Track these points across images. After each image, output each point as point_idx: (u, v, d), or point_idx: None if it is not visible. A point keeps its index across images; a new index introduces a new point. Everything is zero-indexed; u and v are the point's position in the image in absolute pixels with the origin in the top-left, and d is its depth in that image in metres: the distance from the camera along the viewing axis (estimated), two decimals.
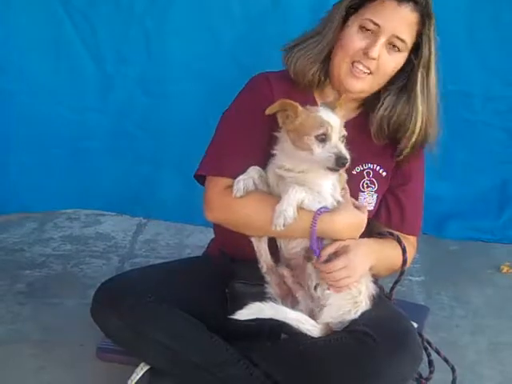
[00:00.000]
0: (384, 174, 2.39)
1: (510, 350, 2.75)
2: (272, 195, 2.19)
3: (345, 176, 2.24)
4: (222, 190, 2.26)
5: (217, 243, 2.56)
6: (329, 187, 2.17)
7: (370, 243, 2.29)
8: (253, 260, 2.28)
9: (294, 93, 2.31)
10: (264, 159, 2.26)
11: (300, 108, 2.12)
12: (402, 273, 2.36)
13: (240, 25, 3.54)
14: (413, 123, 2.31)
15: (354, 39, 2.27)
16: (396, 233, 2.36)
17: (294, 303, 2.24)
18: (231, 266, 2.37)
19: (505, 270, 3.36)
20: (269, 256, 2.26)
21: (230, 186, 2.23)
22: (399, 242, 2.35)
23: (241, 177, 2.20)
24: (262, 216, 2.16)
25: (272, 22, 3.49)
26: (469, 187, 3.76)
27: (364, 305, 2.22)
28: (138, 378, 2.29)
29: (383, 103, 2.33)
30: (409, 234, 2.44)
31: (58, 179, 3.77)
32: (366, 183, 2.38)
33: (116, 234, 3.63)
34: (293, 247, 2.23)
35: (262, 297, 2.21)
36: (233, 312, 2.25)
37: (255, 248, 2.26)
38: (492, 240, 3.64)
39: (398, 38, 2.25)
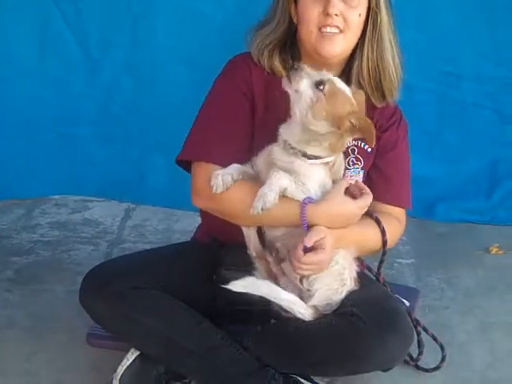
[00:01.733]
0: (369, 149, 2.38)
1: (500, 330, 2.76)
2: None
3: (342, 166, 2.23)
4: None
5: (204, 228, 2.55)
6: (317, 182, 2.15)
7: (351, 235, 2.23)
8: (240, 245, 2.27)
9: (271, 76, 2.32)
10: (249, 145, 2.25)
11: None
12: (384, 253, 2.35)
13: (229, 8, 3.50)
14: (360, 65, 2.32)
15: (309, 6, 2.25)
16: (375, 214, 2.30)
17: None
18: (219, 251, 2.36)
19: (494, 251, 3.37)
20: (258, 242, 2.25)
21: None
22: (378, 223, 2.31)
23: (220, 171, 2.17)
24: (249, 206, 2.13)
25: (262, 5, 3.46)
26: (458, 169, 3.74)
27: (349, 283, 2.21)
28: (128, 363, 2.29)
29: (354, 62, 2.33)
30: (395, 206, 2.41)
31: (45, 165, 3.73)
32: (352, 160, 2.37)
33: (104, 220, 3.61)
34: (275, 231, 2.21)
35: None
36: (220, 299, 2.25)
37: (244, 234, 2.25)
38: (481, 221, 3.63)
39: None
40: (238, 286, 2.13)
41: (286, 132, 2.15)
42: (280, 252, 2.21)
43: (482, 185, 3.76)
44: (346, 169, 2.34)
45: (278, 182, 2.08)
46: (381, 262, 2.39)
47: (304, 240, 2.10)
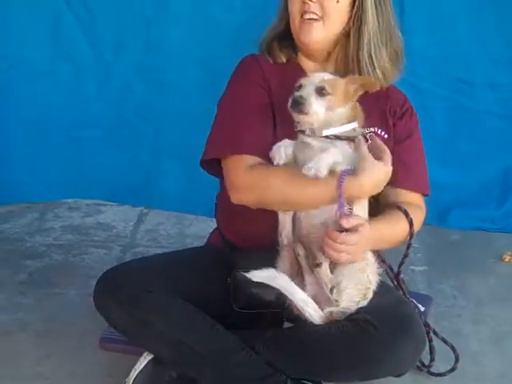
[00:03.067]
0: (386, 136, 2.32)
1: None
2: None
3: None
4: (247, 169, 2.23)
5: (219, 233, 2.55)
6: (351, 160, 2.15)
7: (381, 228, 2.25)
8: (256, 248, 2.27)
9: (282, 68, 2.35)
10: (274, 134, 2.25)
11: None
12: (408, 246, 2.36)
13: (241, 12, 3.53)
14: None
15: None
16: (403, 207, 2.32)
17: (300, 286, 2.21)
18: (233, 255, 2.36)
19: (507, 259, 3.35)
20: (291, 229, 2.23)
21: (253, 165, 2.22)
22: (406, 214, 2.32)
23: (279, 143, 2.16)
24: (292, 189, 2.14)
25: (273, 9, 3.47)
26: (470, 176, 3.74)
27: (369, 297, 2.21)
28: (141, 367, 2.28)
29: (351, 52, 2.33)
30: (415, 191, 2.41)
31: (58, 169, 3.76)
32: None
33: (117, 224, 3.62)
34: (312, 219, 2.20)
35: (264, 285, 2.18)
36: (235, 302, 2.26)
37: (279, 219, 2.23)
38: (494, 229, 3.62)
39: None
40: (257, 276, 2.13)
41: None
42: (313, 253, 2.19)
43: (494, 192, 3.75)
44: None
45: (335, 154, 2.09)
46: (405, 256, 2.39)
47: (341, 221, 2.10)
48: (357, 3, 2.30)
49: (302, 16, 2.29)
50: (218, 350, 2.24)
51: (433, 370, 2.50)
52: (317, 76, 2.16)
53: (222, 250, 2.44)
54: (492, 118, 3.69)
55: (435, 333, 2.54)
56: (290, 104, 2.12)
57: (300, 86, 2.14)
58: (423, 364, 2.49)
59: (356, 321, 2.15)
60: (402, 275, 2.46)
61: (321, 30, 2.31)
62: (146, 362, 2.30)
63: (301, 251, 2.21)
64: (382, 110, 2.40)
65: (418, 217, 2.39)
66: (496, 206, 3.71)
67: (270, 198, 2.22)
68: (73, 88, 3.69)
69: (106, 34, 3.63)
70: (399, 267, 2.44)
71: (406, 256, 2.40)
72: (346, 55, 2.35)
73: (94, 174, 3.77)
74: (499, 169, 3.75)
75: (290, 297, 2.15)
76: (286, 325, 2.29)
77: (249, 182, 2.22)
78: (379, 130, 2.30)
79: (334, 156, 2.09)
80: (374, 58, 2.32)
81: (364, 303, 2.19)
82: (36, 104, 3.69)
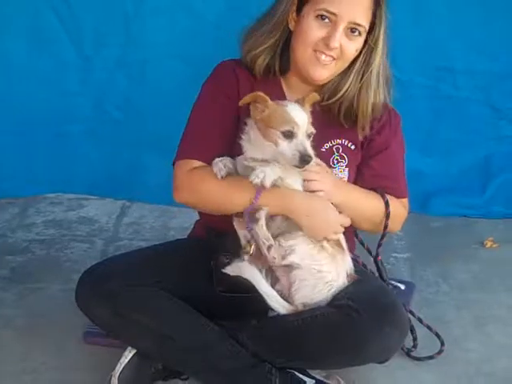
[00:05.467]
0: (353, 147, 2.41)
1: (495, 324, 2.77)
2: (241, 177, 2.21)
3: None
4: (188, 171, 2.29)
5: (202, 223, 2.56)
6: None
7: (353, 189, 2.37)
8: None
9: (259, 81, 2.35)
10: (232, 148, 2.28)
11: (270, 101, 2.15)
12: (385, 226, 2.39)
13: (221, 4, 3.50)
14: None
15: (313, 29, 2.27)
16: (380, 190, 2.39)
17: (275, 280, 2.26)
18: (217, 240, 2.36)
19: (488, 244, 3.38)
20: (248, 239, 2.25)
21: (196, 167, 2.27)
22: (382, 196, 2.37)
23: (217, 159, 2.22)
24: (221, 194, 2.21)
25: (253, 1, 3.46)
26: (452, 163, 3.76)
27: (339, 283, 2.24)
28: (127, 360, 2.29)
29: (344, 89, 2.34)
30: (395, 197, 2.45)
31: (40, 164, 3.73)
32: (336, 159, 2.40)
33: (99, 218, 3.60)
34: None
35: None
36: (218, 285, 2.30)
37: (238, 233, 2.27)
38: (475, 215, 3.64)
39: (356, 23, 2.26)
40: (229, 270, 2.22)
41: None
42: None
43: (476, 179, 3.77)
44: (331, 167, 2.38)
45: (277, 169, 2.15)
46: (382, 236, 2.42)
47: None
48: (368, 50, 2.32)
49: (315, 51, 2.28)
50: (202, 343, 2.25)
51: (417, 355, 2.52)
52: (300, 118, 2.13)
53: (205, 239, 2.45)
54: (473, 105, 3.70)
55: (420, 320, 2.56)
56: (297, 162, 2.11)
57: (291, 133, 2.11)
58: (408, 350, 2.51)
59: (339, 307, 2.17)
60: (380, 257, 2.48)
61: (332, 70, 2.32)
62: (131, 355, 2.31)
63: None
64: (351, 123, 2.40)
65: (398, 207, 2.44)
66: (478, 193, 3.72)
67: (204, 200, 2.29)
68: (53, 83, 3.65)
69: (86, 29, 3.59)
70: (377, 248, 2.48)
71: (383, 237, 2.43)
72: (338, 90, 2.35)
73: (76, 168, 3.75)
74: (480, 156, 3.77)
75: (257, 288, 2.19)
76: (271, 313, 2.28)
77: (186, 183, 2.30)
78: (346, 142, 2.38)
79: (279, 171, 2.15)
80: (373, 103, 2.35)
81: (331, 290, 2.21)
82: (16, 99, 3.65)
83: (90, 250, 3.28)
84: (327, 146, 2.38)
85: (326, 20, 2.25)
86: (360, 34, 2.28)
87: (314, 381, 2.25)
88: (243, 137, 2.23)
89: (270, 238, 2.18)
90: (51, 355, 2.50)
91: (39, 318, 2.71)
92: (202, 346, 2.25)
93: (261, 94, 2.15)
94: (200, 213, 2.56)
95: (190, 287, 2.33)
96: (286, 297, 2.24)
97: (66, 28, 3.58)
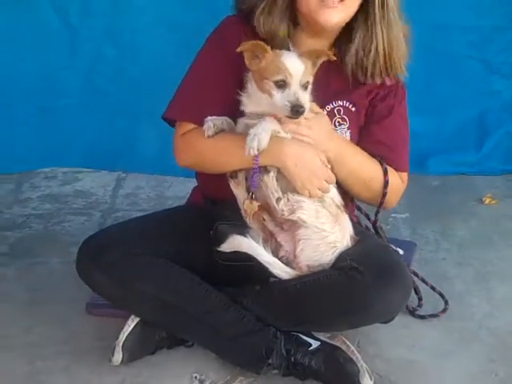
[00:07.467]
0: (353, 109, 2.37)
1: (496, 280, 2.78)
2: (236, 134, 2.18)
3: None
4: (182, 135, 2.28)
5: (200, 190, 2.54)
6: None
7: (350, 146, 2.33)
8: (236, 201, 2.26)
9: (265, 41, 2.25)
10: (234, 109, 2.23)
11: (269, 51, 2.10)
12: (384, 195, 2.36)
13: None
14: (374, 47, 2.27)
15: None
16: (380, 158, 2.35)
17: (277, 246, 2.24)
18: (214, 208, 2.35)
19: (487, 201, 3.38)
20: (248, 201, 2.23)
21: (189, 131, 2.26)
22: (381, 163, 2.34)
23: (210, 117, 2.20)
24: (226, 151, 2.18)
25: None
26: (447, 121, 3.75)
27: (343, 245, 2.22)
28: (130, 329, 2.28)
29: (354, 38, 2.29)
30: (393, 169, 2.41)
31: (33, 138, 3.68)
32: (338, 121, 2.36)
33: (96, 190, 3.58)
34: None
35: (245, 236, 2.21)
36: (218, 254, 2.26)
37: (235, 194, 2.25)
38: (473, 173, 3.65)
39: None
40: (225, 247, 2.20)
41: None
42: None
43: (471, 136, 3.76)
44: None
45: (271, 125, 2.11)
46: (380, 203, 2.39)
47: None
48: None
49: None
50: (205, 309, 2.25)
51: (421, 313, 2.53)
52: (294, 67, 2.08)
53: (203, 206, 2.43)
54: (466, 61, 3.68)
55: (423, 280, 2.56)
56: (288, 112, 2.07)
57: (284, 83, 2.07)
58: (412, 309, 2.52)
59: (343, 269, 2.16)
60: (379, 223, 2.46)
61: (340, 14, 2.24)
62: (134, 324, 2.30)
63: (265, 216, 2.23)
64: (360, 89, 2.37)
65: (396, 179, 2.40)
66: (474, 150, 3.72)
67: (201, 160, 2.28)
68: (40, 56, 3.59)
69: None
70: (376, 215, 2.45)
71: (381, 204, 2.40)
72: (370, 47, 2.28)
73: (69, 141, 3.71)
74: (475, 112, 3.76)
75: (258, 259, 2.18)
76: (273, 279, 2.27)
77: (181, 146, 2.30)
78: (347, 103, 2.34)
79: (271, 125, 2.11)
80: (403, 42, 2.31)
81: (335, 252, 2.20)
82: (1, 74, 3.59)
83: (88, 222, 3.26)
84: (329, 107, 2.35)
85: None
86: None
87: (319, 342, 2.25)
88: (242, 93, 2.19)
89: (279, 190, 2.16)
90: (55, 328, 2.50)
91: (40, 292, 2.71)
92: (205, 312, 2.25)
93: (261, 43, 2.10)
94: (197, 179, 2.54)
95: (190, 255, 2.32)
96: (291, 262, 2.23)
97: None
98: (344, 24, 2.28)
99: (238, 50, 2.11)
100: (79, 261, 2.31)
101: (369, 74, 2.31)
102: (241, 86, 2.23)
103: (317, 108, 2.20)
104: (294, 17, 2.30)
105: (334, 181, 2.24)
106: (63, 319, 2.54)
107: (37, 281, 2.79)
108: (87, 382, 2.26)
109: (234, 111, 2.23)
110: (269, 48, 2.10)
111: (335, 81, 2.34)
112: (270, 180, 2.15)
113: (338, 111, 2.36)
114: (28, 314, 2.58)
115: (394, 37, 2.29)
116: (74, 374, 2.29)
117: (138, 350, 2.30)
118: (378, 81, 2.34)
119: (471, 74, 3.70)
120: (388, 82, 2.37)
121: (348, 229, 2.26)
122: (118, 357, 2.26)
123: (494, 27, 3.63)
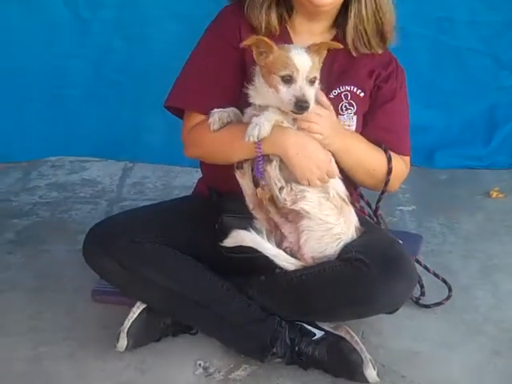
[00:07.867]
0: (362, 94, 2.36)
1: (501, 273, 2.77)
2: (242, 125, 2.17)
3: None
4: (190, 128, 2.29)
5: (205, 181, 2.54)
6: None
7: (356, 136, 2.32)
8: (241, 193, 2.26)
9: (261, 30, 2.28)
10: (237, 98, 2.24)
11: (275, 47, 2.09)
12: (386, 182, 2.36)
13: None
14: (370, 12, 2.28)
15: None
16: (384, 145, 2.35)
17: (282, 237, 2.25)
18: (220, 200, 2.35)
19: (494, 195, 3.38)
20: (254, 192, 2.24)
21: (197, 123, 2.26)
22: (385, 151, 2.34)
23: (216, 110, 2.20)
24: (231, 142, 2.18)
25: None
26: (456, 115, 3.74)
27: (348, 236, 2.22)
28: (135, 316, 2.29)
29: (350, 12, 2.28)
30: (397, 154, 2.41)
31: (41, 128, 3.71)
32: (345, 105, 2.35)
33: (102, 179, 3.59)
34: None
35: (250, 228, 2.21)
36: (222, 246, 2.25)
37: (240, 185, 2.25)
38: (480, 166, 3.64)
39: None
40: (228, 242, 2.20)
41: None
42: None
43: (479, 130, 3.75)
44: (339, 114, 2.33)
45: (274, 115, 2.11)
46: (382, 192, 2.40)
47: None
48: None
49: None
50: (211, 297, 2.26)
51: (425, 302, 2.53)
52: (301, 62, 2.07)
53: (209, 197, 2.43)
54: (475, 55, 3.67)
55: (426, 268, 2.56)
56: (293, 108, 2.07)
57: (290, 78, 2.07)
58: (416, 298, 2.53)
59: (348, 260, 2.16)
60: (380, 211, 2.47)
61: None
62: (139, 311, 2.31)
63: (270, 208, 2.22)
64: (363, 70, 2.36)
65: (400, 164, 2.40)
66: (482, 144, 3.71)
67: (208, 152, 2.29)
68: (49, 47, 3.61)
69: None
70: (377, 203, 2.45)
71: (383, 192, 2.40)
72: (358, 14, 2.28)
73: (76, 130, 3.72)
74: (484, 106, 3.75)
75: (263, 252, 2.18)
76: (279, 271, 2.27)
77: (189, 139, 2.32)
78: (354, 88, 2.33)
79: (274, 115, 2.11)
80: (390, 9, 2.30)
81: (340, 244, 2.20)
82: (11, 64, 3.61)
83: (94, 211, 3.28)
84: (336, 92, 2.33)
85: None
86: None
87: (323, 332, 2.26)
88: (250, 86, 2.19)
89: (282, 179, 2.16)
90: (60, 314, 2.51)
91: (47, 280, 2.72)
92: (211, 300, 2.25)
93: (264, 39, 2.10)
94: (202, 170, 2.54)
95: (197, 244, 2.32)
96: (295, 253, 2.23)
97: None
98: (339, 3, 2.28)
99: (243, 44, 2.11)
100: (86, 247, 2.32)
101: (367, 42, 2.30)
102: (242, 74, 2.24)
103: (323, 97, 2.20)
104: (288, 2, 2.30)
105: (337, 175, 2.24)
106: (69, 306, 2.56)
107: (43, 268, 2.80)
108: (92, 367, 2.27)
109: (237, 98, 2.23)
110: (273, 44, 2.10)
111: (338, 60, 2.32)
112: (273, 169, 2.15)
113: (346, 96, 2.34)
114: (34, 301, 2.59)
115: (384, 2, 2.29)
116: (78, 359, 2.30)
117: (143, 336, 2.31)
118: (379, 50, 2.33)
119: (481, 68, 3.69)
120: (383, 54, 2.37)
121: (353, 221, 2.26)
122: (122, 343, 2.27)
123: (504, 22, 3.62)
